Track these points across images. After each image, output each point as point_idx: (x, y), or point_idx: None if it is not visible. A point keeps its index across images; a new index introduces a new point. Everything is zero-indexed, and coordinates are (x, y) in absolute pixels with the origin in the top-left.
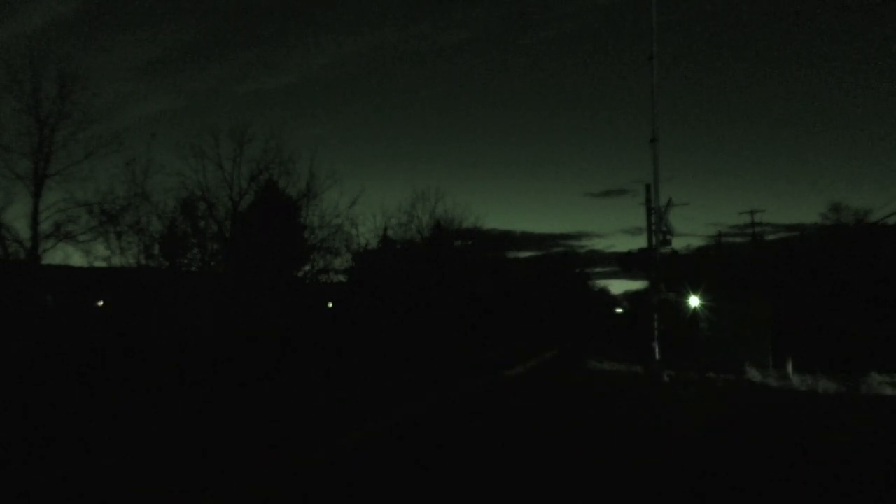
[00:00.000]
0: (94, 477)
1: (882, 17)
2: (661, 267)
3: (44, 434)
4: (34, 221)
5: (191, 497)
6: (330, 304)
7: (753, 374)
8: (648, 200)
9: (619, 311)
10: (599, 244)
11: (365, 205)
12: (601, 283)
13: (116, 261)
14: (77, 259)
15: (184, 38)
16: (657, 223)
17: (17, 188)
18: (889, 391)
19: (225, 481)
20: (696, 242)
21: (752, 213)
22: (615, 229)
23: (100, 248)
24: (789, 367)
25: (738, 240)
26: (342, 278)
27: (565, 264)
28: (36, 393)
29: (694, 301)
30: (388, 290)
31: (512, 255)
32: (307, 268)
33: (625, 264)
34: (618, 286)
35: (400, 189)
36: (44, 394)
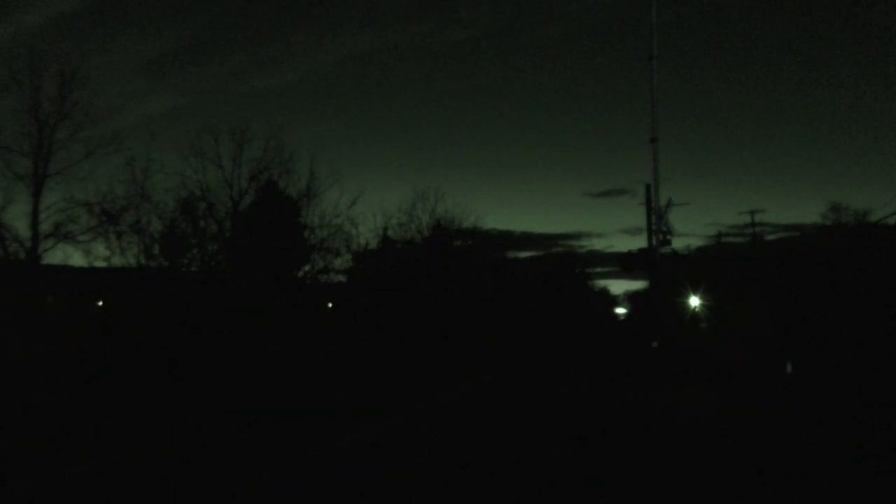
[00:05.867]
0: (97, 476)
1: (882, 17)
2: (661, 267)
3: (44, 433)
4: (34, 221)
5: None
6: (330, 304)
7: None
8: (648, 200)
9: (620, 310)
10: (599, 244)
11: (365, 205)
12: (601, 283)
13: (116, 261)
14: (77, 259)
15: (184, 37)
16: (657, 223)
17: (17, 188)
18: None
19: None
20: (696, 242)
21: (752, 213)
22: (615, 229)
23: (100, 248)
24: (788, 367)
25: (738, 240)
26: (342, 278)
27: (565, 264)
28: (36, 392)
29: (694, 301)
30: (387, 291)
31: (512, 255)
32: (307, 268)
33: (625, 264)
34: (618, 286)
35: (400, 189)
36: (44, 393)
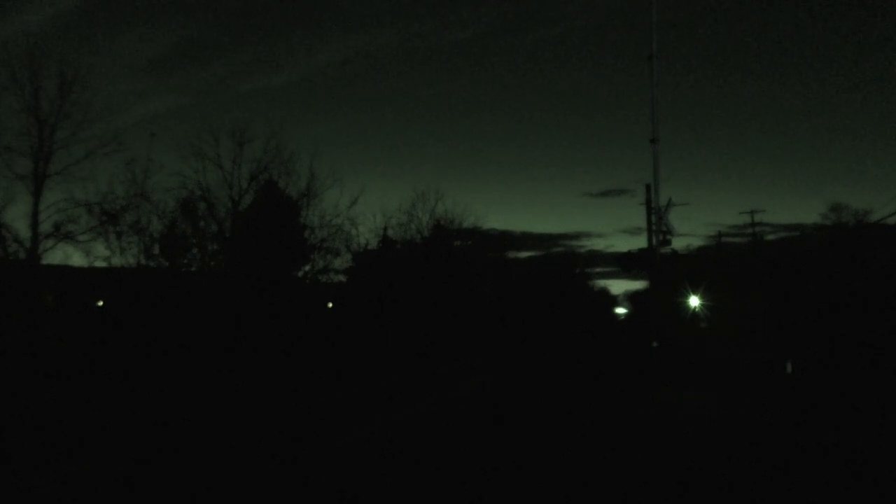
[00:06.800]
0: (96, 476)
1: (882, 18)
2: (661, 267)
3: (44, 431)
4: (34, 221)
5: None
6: (330, 304)
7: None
8: (648, 200)
9: (620, 310)
10: (599, 244)
11: (365, 205)
12: (601, 283)
13: (116, 261)
14: (77, 259)
15: (184, 36)
16: (657, 223)
17: (17, 188)
18: None
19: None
20: (696, 242)
21: (752, 213)
22: (615, 229)
23: (100, 248)
24: (788, 367)
25: (738, 240)
26: (342, 278)
27: (565, 264)
28: (36, 392)
29: (694, 301)
30: (387, 291)
31: (512, 255)
32: (307, 268)
33: (625, 264)
34: (618, 286)
35: (400, 189)
36: (44, 393)
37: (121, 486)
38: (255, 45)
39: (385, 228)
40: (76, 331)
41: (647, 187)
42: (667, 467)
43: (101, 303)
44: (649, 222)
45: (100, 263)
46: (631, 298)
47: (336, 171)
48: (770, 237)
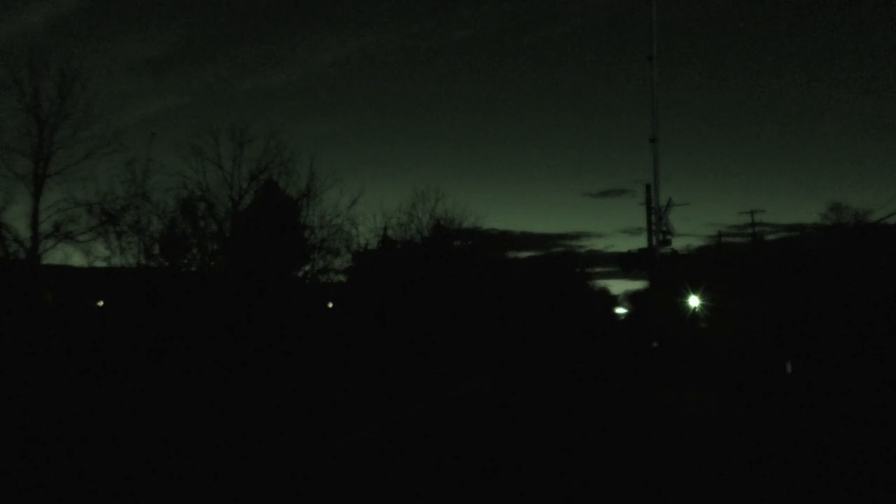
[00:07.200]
0: (96, 475)
1: (882, 17)
2: (661, 267)
3: (44, 431)
4: (34, 221)
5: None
6: (330, 304)
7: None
8: (648, 200)
9: (620, 310)
10: (599, 244)
11: (365, 205)
12: (601, 283)
13: (116, 261)
14: (77, 259)
15: (184, 36)
16: (657, 223)
17: (17, 188)
18: None
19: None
20: (696, 242)
21: (752, 213)
22: (615, 229)
23: (100, 248)
24: (788, 367)
25: (738, 240)
26: (342, 278)
27: (565, 264)
28: (36, 391)
29: (694, 301)
30: (387, 291)
31: (512, 255)
32: (307, 268)
33: (625, 264)
34: (618, 286)
35: (400, 189)
36: (44, 392)
37: (121, 485)
38: (255, 45)
39: (385, 228)
40: (76, 331)
41: (647, 187)
42: (667, 468)
43: (101, 303)
44: (649, 222)
45: (100, 263)
46: (631, 298)
47: (336, 171)
48: (770, 237)
